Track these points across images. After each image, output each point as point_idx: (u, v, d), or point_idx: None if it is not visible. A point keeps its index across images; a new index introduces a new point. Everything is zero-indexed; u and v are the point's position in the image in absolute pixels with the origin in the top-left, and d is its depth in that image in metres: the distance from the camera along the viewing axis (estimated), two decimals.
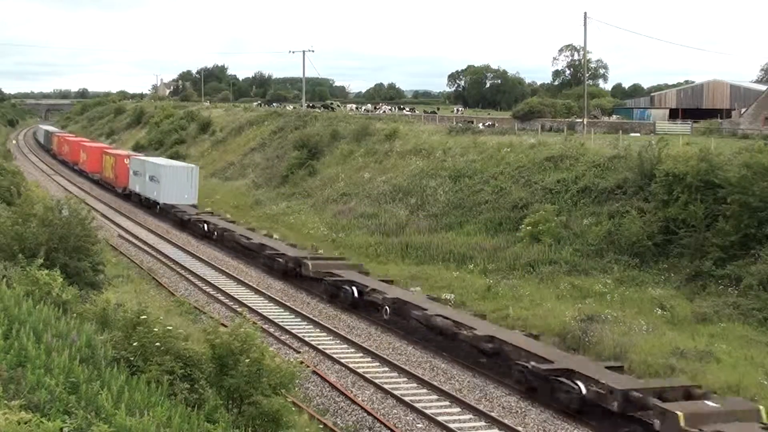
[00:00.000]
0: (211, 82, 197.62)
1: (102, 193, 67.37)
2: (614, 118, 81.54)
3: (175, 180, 53.55)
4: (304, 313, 29.95)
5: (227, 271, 37.14)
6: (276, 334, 26.77)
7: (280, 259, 36.34)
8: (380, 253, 39.04)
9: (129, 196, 62.36)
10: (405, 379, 22.97)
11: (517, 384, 21.99)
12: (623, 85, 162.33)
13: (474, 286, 31.99)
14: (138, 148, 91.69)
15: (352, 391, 21.61)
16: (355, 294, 30.32)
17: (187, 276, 35.89)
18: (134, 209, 58.11)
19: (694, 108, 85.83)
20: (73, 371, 11.25)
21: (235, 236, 42.18)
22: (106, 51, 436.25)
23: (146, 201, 57.45)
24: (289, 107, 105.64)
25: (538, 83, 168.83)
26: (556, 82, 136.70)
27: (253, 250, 40.01)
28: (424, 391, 22.05)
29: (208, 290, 33.15)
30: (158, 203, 54.26)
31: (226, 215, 51.30)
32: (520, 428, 19.57)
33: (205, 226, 46.42)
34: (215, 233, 44.71)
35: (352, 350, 25.61)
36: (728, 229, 29.89)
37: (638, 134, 57.18)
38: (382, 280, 32.03)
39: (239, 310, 27.79)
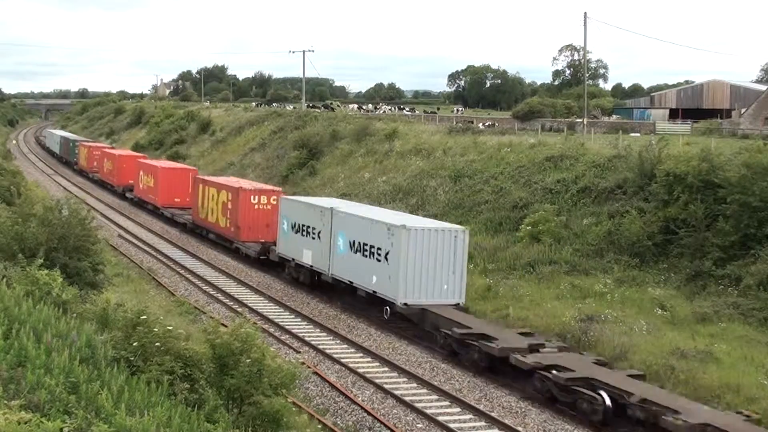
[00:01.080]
0: (211, 82, 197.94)
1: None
2: (614, 118, 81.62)
3: (426, 255, 27.36)
4: (304, 313, 29.93)
5: (227, 271, 37.12)
6: (276, 334, 26.76)
7: None
8: None
9: (274, 264, 36.77)
10: (405, 379, 22.96)
11: None
12: (623, 85, 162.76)
13: (474, 286, 31.92)
14: (138, 147, 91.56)
15: (352, 391, 21.60)
16: None
17: (188, 276, 35.88)
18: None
19: (694, 108, 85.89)
20: (73, 371, 11.24)
21: None
22: (106, 51, 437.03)
23: (336, 284, 31.51)
24: (289, 107, 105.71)
25: (538, 83, 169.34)
26: (556, 82, 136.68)
27: None
28: (424, 391, 22.05)
29: (208, 290, 33.14)
30: (393, 303, 27.53)
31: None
32: (520, 428, 19.57)
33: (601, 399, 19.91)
34: None
35: (352, 350, 25.60)
36: (728, 229, 29.88)
37: (638, 134, 57.24)
38: None
39: (239, 310, 27.87)
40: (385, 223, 28.47)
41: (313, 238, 32.53)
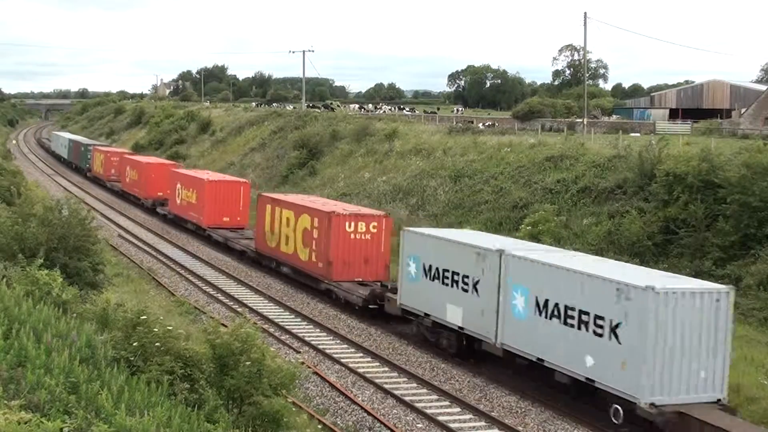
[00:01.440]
0: (211, 82, 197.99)
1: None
2: (614, 118, 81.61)
3: (678, 329, 18.43)
4: (304, 313, 29.93)
5: (227, 271, 37.10)
6: (276, 334, 26.76)
7: None
8: None
9: (387, 315, 28.21)
10: (405, 379, 22.96)
11: None
12: (623, 85, 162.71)
13: None
14: (138, 148, 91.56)
15: (352, 391, 21.60)
16: None
17: (187, 276, 35.86)
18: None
19: (694, 108, 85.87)
20: (73, 371, 11.24)
21: None
22: (106, 51, 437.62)
23: (508, 358, 22.79)
24: (289, 107, 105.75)
25: (538, 83, 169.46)
26: (556, 82, 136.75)
27: None
28: (424, 391, 22.05)
29: (208, 290, 33.12)
30: (633, 401, 18.47)
31: None
32: (520, 428, 19.57)
33: None
34: None
35: (352, 350, 25.60)
36: (728, 229, 29.90)
37: (638, 134, 57.22)
38: None
39: (239, 310, 27.86)
40: (614, 281, 19.07)
41: (465, 290, 23.88)
